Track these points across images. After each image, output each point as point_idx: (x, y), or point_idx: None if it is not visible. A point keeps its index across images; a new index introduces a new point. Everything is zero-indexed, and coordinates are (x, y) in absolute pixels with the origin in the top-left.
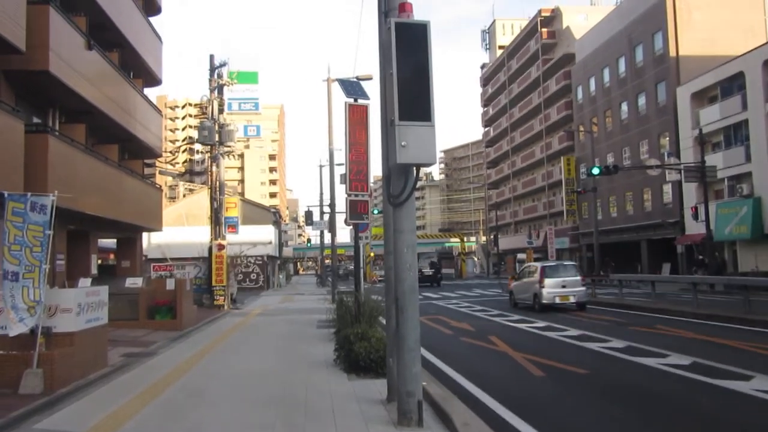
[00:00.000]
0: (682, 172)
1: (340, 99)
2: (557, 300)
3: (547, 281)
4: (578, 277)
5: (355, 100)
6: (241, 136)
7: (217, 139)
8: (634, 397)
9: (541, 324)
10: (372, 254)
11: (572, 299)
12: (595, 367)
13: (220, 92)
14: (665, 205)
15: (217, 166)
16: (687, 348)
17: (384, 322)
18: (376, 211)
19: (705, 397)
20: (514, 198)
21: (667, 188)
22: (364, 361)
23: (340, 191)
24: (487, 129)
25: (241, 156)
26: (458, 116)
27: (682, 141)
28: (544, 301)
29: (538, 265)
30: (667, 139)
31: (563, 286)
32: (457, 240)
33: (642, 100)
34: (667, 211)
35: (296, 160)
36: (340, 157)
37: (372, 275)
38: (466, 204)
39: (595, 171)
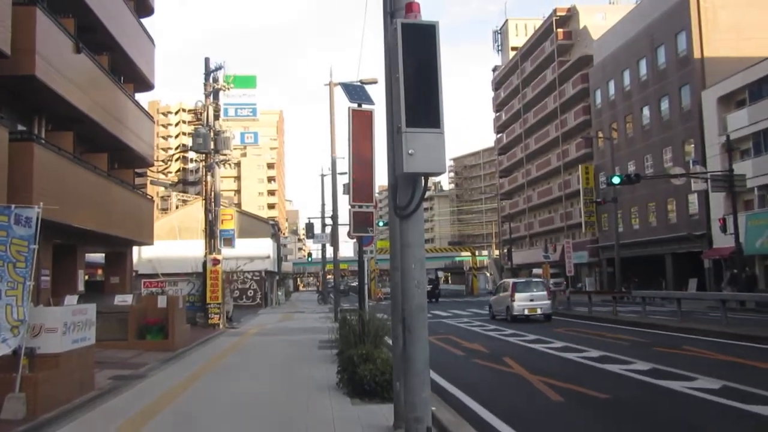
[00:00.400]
0: (709, 181)
1: (343, 104)
2: (526, 311)
3: (517, 296)
4: (544, 293)
5: (359, 106)
6: (237, 143)
7: (212, 146)
8: (661, 427)
9: (559, 345)
10: (377, 269)
11: (539, 311)
12: (616, 392)
13: (216, 97)
14: (691, 217)
15: (212, 175)
16: (716, 370)
17: (390, 342)
18: (381, 224)
19: (738, 425)
20: (528, 209)
21: (693, 198)
22: (369, 384)
23: (343, 202)
24: (499, 135)
25: (238, 165)
26: (469, 122)
27: (708, 148)
28: (515, 313)
29: (510, 281)
30: (692, 145)
31: (531, 300)
32: (468, 254)
33: (665, 105)
34: (693, 223)
35: (296, 169)
36: (343, 165)
37: (377, 292)
38: (477, 215)
39: (616, 180)
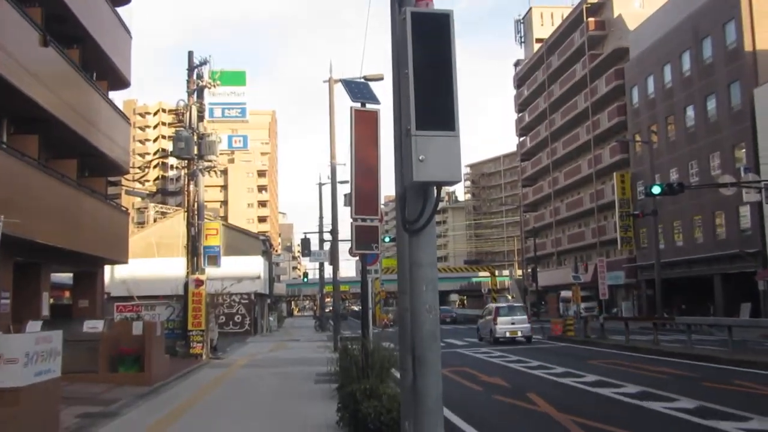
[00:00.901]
0: (763, 191)
1: (345, 104)
2: (507, 334)
3: (500, 319)
4: (525, 317)
5: (363, 105)
6: (224, 148)
7: (195, 152)
8: None
9: (592, 378)
10: (383, 292)
11: (520, 334)
12: None
13: (200, 96)
14: (743, 232)
15: (196, 184)
16: None
17: (398, 375)
18: (387, 239)
19: None
20: (556, 223)
21: (745, 211)
22: (374, 423)
23: (344, 215)
24: (522, 139)
25: (225, 172)
26: (488, 125)
27: (762, 153)
28: (497, 335)
29: (494, 306)
30: (744, 150)
31: (512, 323)
32: (487, 274)
33: (711, 104)
34: (746, 240)
35: (291, 178)
36: (345, 173)
37: (383, 317)
38: (497, 230)
39: (656, 190)
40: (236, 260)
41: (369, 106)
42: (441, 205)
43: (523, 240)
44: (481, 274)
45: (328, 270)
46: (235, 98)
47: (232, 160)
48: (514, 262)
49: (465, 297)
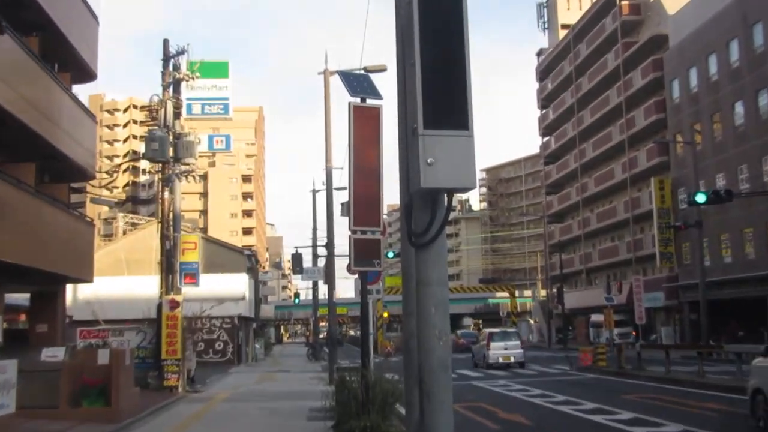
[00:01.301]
0: None
1: (343, 99)
2: (500, 360)
3: (492, 344)
4: (518, 342)
5: (363, 100)
6: (204, 149)
7: (171, 154)
8: None
9: (626, 416)
10: (386, 314)
11: (513, 359)
12: None
13: (177, 90)
14: None
15: (171, 191)
16: None
17: (403, 411)
18: (391, 255)
19: None
20: (585, 236)
21: None
22: None
23: (342, 226)
24: (546, 139)
25: (205, 178)
26: (506, 122)
27: None
28: (490, 361)
29: (487, 331)
30: None
31: (505, 349)
32: (506, 295)
33: (764, 99)
34: None
35: (281, 184)
36: (342, 179)
37: (385, 344)
38: (517, 244)
39: (700, 198)
40: (217, 278)
41: (370, 102)
42: (453, 215)
43: (547, 255)
44: (499, 294)
45: (323, 290)
46: (216, 92)
47: (213, 164)
48: (536, 281)
49: (480, 321)
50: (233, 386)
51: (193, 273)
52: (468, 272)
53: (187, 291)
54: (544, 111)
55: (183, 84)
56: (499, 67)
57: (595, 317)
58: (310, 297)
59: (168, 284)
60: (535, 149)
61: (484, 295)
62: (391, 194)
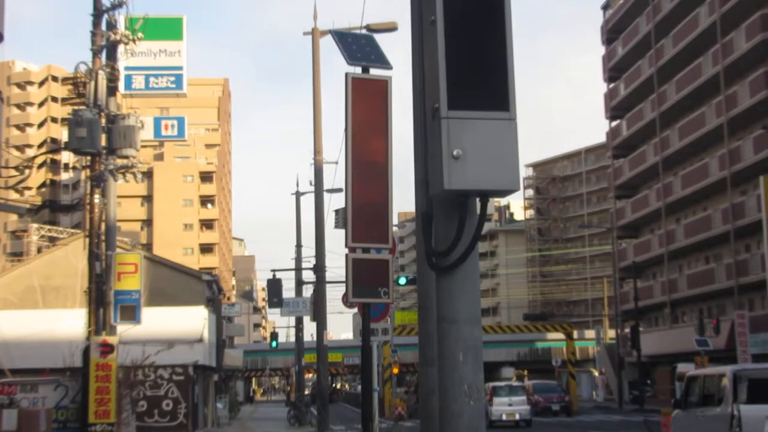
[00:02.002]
0: None
1: (339, 69)
2: (504, 417)
3: (496, 400)
4: (524, 397)
5: (366, 71)
6: (149, 137)
7: (103, 143)
8: None
9: None
10: (396, 363)
11: (518, 416)
12: None
13: (112, 57)
14: None
15: (104, 194)
16: None
17: None
18: (403, 281)
19: None
20: (669, 255)
21: None
22: None
23: (336, 241)
24: (615, 123)
25: (149, 176)
26: (559, 100)
27: None
28: (493, 418)
29: (490, 385)
30: None
31: (510, 404)
32: (560, 337)
33: None
34: None
35: (252, 184)
36: (337, 178)
37: (396, 404)
38: (576, 266)
39: None
40: (166, 313)
41: (375, 73)
42: (488, 227)
43: (616, 283)
44: (551, 336)
45: (310, 329)
46: (166, 60)
47: (160, 157)
48: (602, 318)
49: (525, 372)
50: None
51: (133, 306)
52: (508, 305)
53: (125, 330)
54: (612, 85)
55: (121, 48)
56: (550, 23)
57: (683, 367)
58: (293, 339)
59: (98, 321)
60: (599, 137)
61: (531, 337)
62: (403, 199)
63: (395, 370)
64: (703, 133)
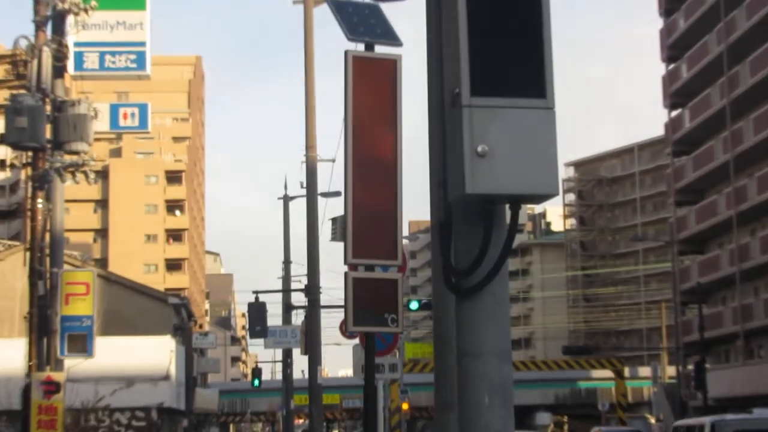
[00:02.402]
0: None
1: (337, 45)
2: None
3: None
4: None
5: (370, 48)
6: (104, 128)
7: (48, 136)
8: None
9: None
10: (405, 406)
11: None
12: None
13: (60, 30)
14: None
15: (48, 197)
16: None
17: None
18: (415, 305)
19: None
20: (741, 276)
21: None
22: None
23: (333, 257)
24: (675, 113)
25: (105, 176)
26: (605, 86)
27: None
28: None
29: None
30: None
31: None
32: (608, 375)
33: None
34: None
35: (230, 186)
36: (334, 179)
37: None
38: (627, 288)
39: None
40: (124, 344)
41: (381, 50)
42: (520, 239)
43: (678, 309)
44: (597, 374)
45: (301, 364)
46: (125, 34)
47: (118, 152)
48: (659, 353)
49: (565, 418)
50: None
51: (84, 335)
52: (544, 336)
53: (74, 365)
54: (672, 66)
55: (70, 19)
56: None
57: (760, 412)
58: (279, 376)
59: (41, 354)
60: (656, 131)
61: (572, 375)
62: (415, 205)
63: (405, 408)
64: None
